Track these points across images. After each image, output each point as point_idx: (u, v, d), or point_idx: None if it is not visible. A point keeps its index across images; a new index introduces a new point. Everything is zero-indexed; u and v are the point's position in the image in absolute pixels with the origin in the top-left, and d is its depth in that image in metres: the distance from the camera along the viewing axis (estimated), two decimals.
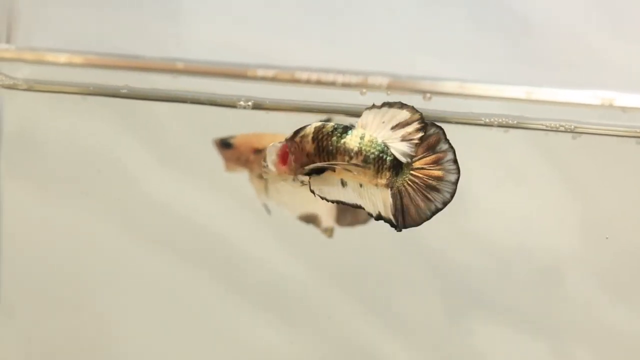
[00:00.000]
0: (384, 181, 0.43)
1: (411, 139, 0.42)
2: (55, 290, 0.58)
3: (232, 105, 0.51)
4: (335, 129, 0.43)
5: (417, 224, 0.43)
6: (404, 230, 0.42)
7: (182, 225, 0.57)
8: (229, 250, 0.57)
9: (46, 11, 0.51)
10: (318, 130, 0.43)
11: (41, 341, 0.58)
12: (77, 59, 0.50)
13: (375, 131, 0.43)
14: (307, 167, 0.43)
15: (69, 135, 0.54)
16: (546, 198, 0.57)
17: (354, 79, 0.47)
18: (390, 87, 0.47)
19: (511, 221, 0.57)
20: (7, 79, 0.50)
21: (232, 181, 0.54)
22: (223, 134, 0.53)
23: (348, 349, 0.59)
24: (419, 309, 0.58)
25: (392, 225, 0.43)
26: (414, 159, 0.42)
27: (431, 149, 0.43)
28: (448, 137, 0.43)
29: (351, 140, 0.42)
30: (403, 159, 0.42)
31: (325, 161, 0.43)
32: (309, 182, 0.43)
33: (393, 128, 0.42)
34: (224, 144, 0.54)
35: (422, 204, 0.43)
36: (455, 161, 0.43)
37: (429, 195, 0.43)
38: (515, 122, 0.51)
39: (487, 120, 0.51)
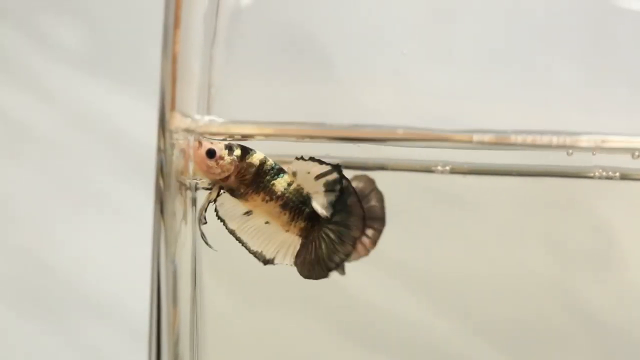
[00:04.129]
0: (296, 230, 0.44)
1: (333, 189, 0.44)
2: None
3: (428, 170, 0.50)
4: (272, 168, 0.44)
5: (322, 276, 0.44)
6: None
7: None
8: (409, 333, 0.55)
9: (241, 83, 0.50)
10: (262, 164, 0.44)
11: None
12: (268, 130, 0.49)
13: (301, 181, 0.44)
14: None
15: None
16: None
17: (567, 140, 0.47)
18: (601, 147, 0.48)
19: None
20: None
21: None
22: (420, 199, 0.52)
23: None
24: None
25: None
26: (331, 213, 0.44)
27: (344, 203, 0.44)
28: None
29: (279, 184, 0.44)
30: (323, 213, 0.44)
31: (250, 192, 0.44)
32: (216, 196, 0.44)
33: (317, 178, 0.44)
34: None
35: (327, 257, 0.44)
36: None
37: (337, 248, 0.44)
38: None
39: None
